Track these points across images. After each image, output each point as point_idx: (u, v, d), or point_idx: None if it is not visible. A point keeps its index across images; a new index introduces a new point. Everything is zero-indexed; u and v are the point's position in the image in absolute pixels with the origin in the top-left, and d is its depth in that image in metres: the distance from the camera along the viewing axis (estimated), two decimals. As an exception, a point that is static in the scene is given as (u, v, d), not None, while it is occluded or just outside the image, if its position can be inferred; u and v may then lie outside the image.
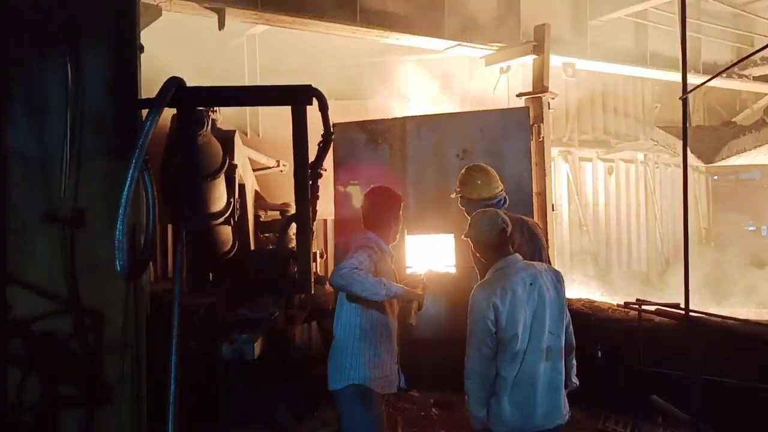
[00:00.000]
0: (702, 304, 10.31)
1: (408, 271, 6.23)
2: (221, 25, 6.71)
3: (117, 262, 2.94)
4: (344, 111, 8.59)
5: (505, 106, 8.24)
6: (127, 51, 3.81)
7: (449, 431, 5.92)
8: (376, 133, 7.36)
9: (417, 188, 7.13)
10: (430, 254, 7.06)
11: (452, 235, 6.80)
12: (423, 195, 7.09)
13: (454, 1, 8.21)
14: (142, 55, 3.95)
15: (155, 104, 3.15)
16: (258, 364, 4.20)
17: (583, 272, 11.78)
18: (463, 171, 4.76)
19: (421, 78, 10.08)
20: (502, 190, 4.67)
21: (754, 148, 8.17)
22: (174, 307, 3.32)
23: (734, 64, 3.97)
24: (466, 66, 10.03)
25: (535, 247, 4.54)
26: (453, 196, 4.80)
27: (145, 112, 3.22)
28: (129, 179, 3.00)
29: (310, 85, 3.64)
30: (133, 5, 3.87)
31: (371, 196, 3.99)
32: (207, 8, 6.66)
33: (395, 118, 7.61)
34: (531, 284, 3.37)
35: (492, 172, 4.70)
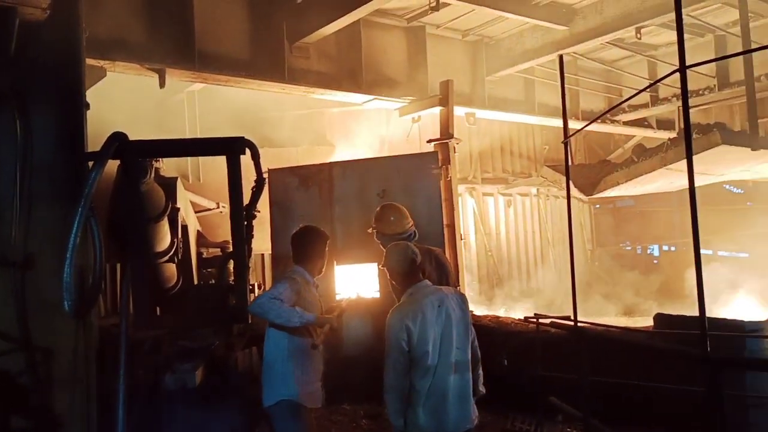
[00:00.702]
0: (589, 313, 10.65)
1: (338, 297, 6.21)
2: (162, 84, 6.58)
3: (65, 302, 2.83)
4: (278, 158, 8.55)
5: (418, 151, 8.37)
6: (73, 108, 3.74)
7: (379, 440, 5.86)
8: (307, 177, 7.35)
9: (343, 224, 7.15)
10: (356, 282, 7.04)
11: (376, 264, 6.80)
12: (349, 229, 7.09)
13: (370, 61, 8.31)
14: (88, 112, 3.85)
15: (99, 157, 3.09)
16: (200, 391, 4.09)
17: (489, 292, 11.97)
18: (378, 209, 4.82)
19: (345, 127, 10.16)
20: (412, 225, 4.74)
21: (626, 181, 8.55)
22: (121, 340, 3.20)
23: (606, 112, 4.18)
24: (384, 116, 10.16)
25: (442, 273, 4.61)
26: (370, 231, 4.83)
27: (91, 163, 3.13)
28: (75, 225, 2.91)
29: (243, 137, 3.62)
30: (78, 68, 3.79)
31: (298, 234, 4.01)
32: (148, 69, 6.52)
33: (323, 164, 7.63)
34: (439, 306, 3.41)
35: (403, 209, 4.77)
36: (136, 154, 3.57)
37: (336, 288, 6.93)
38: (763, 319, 6.68)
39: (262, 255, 9.38)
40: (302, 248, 3.93)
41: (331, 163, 7.62)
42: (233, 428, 4.12)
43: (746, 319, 6.90)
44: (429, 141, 8.17)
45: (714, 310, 10.47)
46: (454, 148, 7.99)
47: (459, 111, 8.95)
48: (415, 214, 6.84)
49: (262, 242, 7.49)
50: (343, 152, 9.60)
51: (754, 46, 8.46)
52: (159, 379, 4.06)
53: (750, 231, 16.54)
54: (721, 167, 9.66)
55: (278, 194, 7.26)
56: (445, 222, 7.61)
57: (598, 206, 16.87)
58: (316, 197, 7.27)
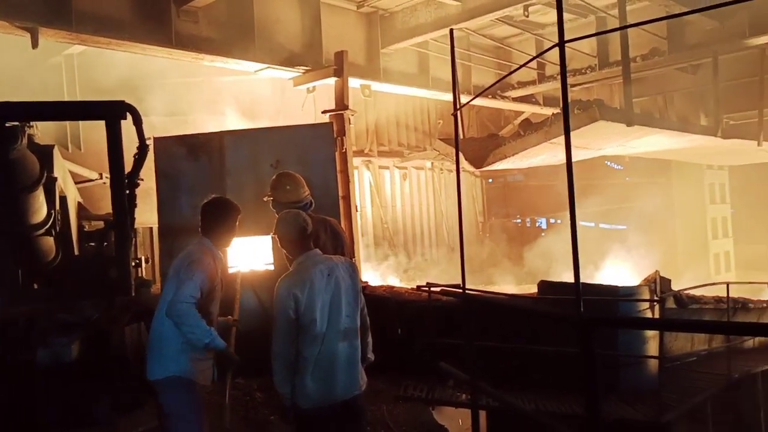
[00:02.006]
0: (480, 282, 11.10)
1: (230, 271, 6.10)
2: (34, 44, 6.11)
3: None
4: (165, 126, 8.20)
5: (313, 122, 8.30)
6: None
7: (272, 411, 5.85)
8: (196, 146, 7.09)
9: (236, 196, 6.83)
10: (250, 254, 6.95)
11: (270, 236, 6.74)
12: (242, 201, 6.79)
13: (263, 29, 8.11)
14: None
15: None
16: (77, 365, 3.91)
17: (384, 262, 12.17)
18: (274, 177, 4.75)
19: (238, 96, 9.89)
20: (308, 195, 4.72)
21: (513, 154, 8.91)
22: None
23: (493, 85, 4.35)
24: (278, 86, 9.98)
25: (338, 242, 4.65)
26: (265, 199, 4.77)
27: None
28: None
29: (123, 101, 3.45)
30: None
31: (210, 205, 3.84)
32: (19, 27, 6.04)
33: (213, 132, 7.38)
34: (328, 275, 3.45)
35: (299, 178, 4.73)
36: (4, 117, 3.32)
37: (229, 261, 6.80)
38: (635, 284, 7.23)
39: (150, 228, 9.02)
40: (213, 220, 3.77)
41: (221, 132, 7.40)
42: (116, 404, 3.98)
43: (621, 284, 7.45)
44: (324, 112, 8.13)
45: (593, 277, 11.20)
46: (350, 119, 8.01)
47: (354, 83, 8.95)
48: (310, 185, 6.82)
49: (150, 215, 7.22)
50: (236, 122, 9.36)
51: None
52: (33, 355, 3.84)
53: (627, 204, 17.76)
54: (600, 142, 10.27)
55: (165, 164, 6.97)
56: (340, 193, 7.64)
57: (491, 180, 17.48)
58: (206, 167, 7.04)
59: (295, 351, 3.36)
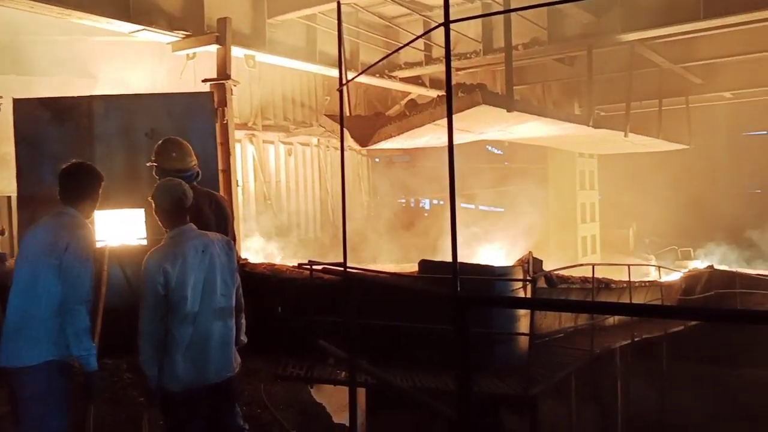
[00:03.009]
0: (364, 261, 11.19)
1: (98, 245, 5.74)
2: None
3: None
4: (27, 87, 7.54)
5: (193, 91, 7.94)
6: None
7: (141, 393, 5.60)
8: (61, 110, 6.60)
9: (106, 165, 6.46)
10: (120, 228, 6.58)
11: (143, 210, 6.41)
12: (112, 171, 6.49)
13: (140, -14, 7.62)
14: None
15: None
16: None
17: (266, 239, 11.97)
18: (160, 142, 4.44)
19: (110, 59, 9.27)
20: (195, 164, 4.45)
21: (398, 134, 9.00)
22: None
23: (377, 62, 4.34)
24: (156, 51, 9.45)
25: (221, 218, 4.46)
26: (149, 164, 4.46)
27: None
28: None
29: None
30: None
31: (71, 171, 3.45)
32: None
33: (81, 97, 6.89)
34: (203, 251, 3.30)
35: (187, 146, 4.45)
36: None
37: (96, 235, 6.40)
38: (510, 264, 7.56)
39: (8, 198, 8.30)
40: (75, 188, 3.40)
41: (91, 96, 6.92)
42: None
43: (496, 264, 7.77)
44: (204, 80, 7.79)
45: (471, 257, 11.61)
46: (232, 90, 7.73)
47: (238, 52, 8.64)
48: (190, 156, 6.54)
49: (8, 182, 6.65)
50: (107, 86, 8.77)
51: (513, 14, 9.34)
52: None
53: (506, 188, 18.57)
54: (482, 126, 10.60)
55: (26, 129, 6.45)
56: (220, 167, 7.39)
57: (377, 160, 17.63)
58: (72, 134, 6.58)
59: (164, 330, 3.18)
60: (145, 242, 6.42)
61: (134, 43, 8.87)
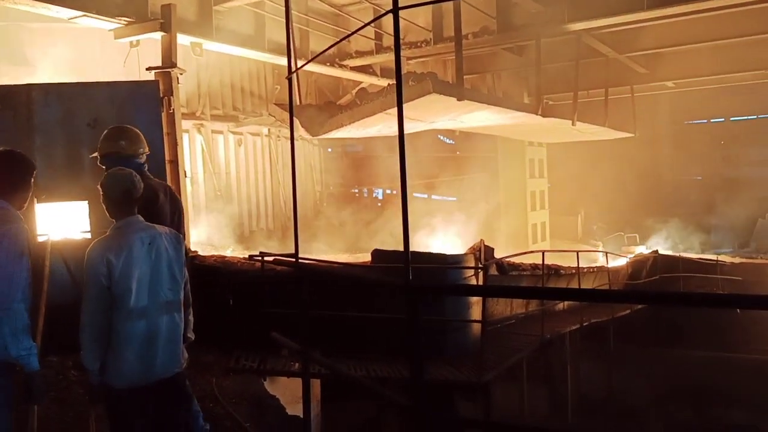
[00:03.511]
0: (316, 251, 11.14)
1: (40, 239, 5.55)
2: None
3: None
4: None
5: (137, 79, 7.72)
6: None
7: (87, 390, 5.46)
8: (-3, 99, 6.34)
9: (47, 156, 6.35)
10: (62, 222, 6.38)
11: (86, 202, 6.22)
12: (53, 162, 6.35)
13: (80, -29, 7.35)
14: None
15: None
16: None
17: (218, 232, 11.80)
18: (108, 129, 4.25)
19: (49, 46, 8.93)
20: (144, 153, 4.29)
21: (350, 123, 8.96)
22: None
23: (326, 50, 4.27)
24: (97, 37, 9.14)
25: (176, 208, 4.35)
26: (95, 155, 4.28)
27: None
28: None
29: None
30: None
31: (2, 159, 3.29)
32: None
33: (18, 85, 6.61)
34: (149, 243, 3.20)
35: (137, 132, 4.25)
36: None
37: (37, 229, 6.18)
38: (462, 252, 7.65)
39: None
40: (4, 178, 3.22)
41: (29, 84, 6.65)
42: None
43: (449, 253, 7.85)
44: (149, 69, 7.59)
45: (424, 246, 11.70)
46: (178, 78, 7.56)
47: (184, 40, 8.44)
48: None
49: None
50: (46, 75, 8.46)
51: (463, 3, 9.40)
52: None
53: (458, 177, 18.75)
54: (433, 115, 10.65)
55: (-43, 118, 6.17)
56: (167, 157, 7.22)
57: (330, 150, 17.54)
58: (9, 124, 6.31)
59: (107, 323, 3.08)
60: (89, 236, 6.26)
61: (74, 29, 8.56)
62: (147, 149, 4.31)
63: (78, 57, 9.09)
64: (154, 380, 3.19)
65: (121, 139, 4.13)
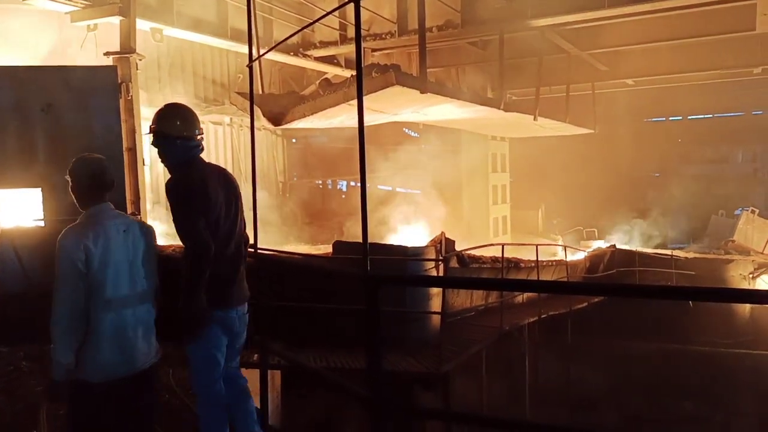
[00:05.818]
0: (279, 243, 11.06)
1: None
2: None
3: None
4: None
5: (95, 64, 7.54)
6: None
7: (41, 381, 5.34)
8: (-56, 82, 6.14)
9: None
10: (14, 209, 6.22)
11: (39, 189, 6.07)
12: (4, 149, 6.19)
13: (34, -50, 7.14)
14: None
15: None
16: None
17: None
18: (163, 107, 3.85)
19: (2, 28, 8.64)
20: (201, 135, 3.88)
21: (312, 114, 8.89)
22: None
23: (288, 38, 4.22)
24: (54, 20, 8.88)
25: (237, 195, 4.00)
26: (146, 134, 3.97)
27: None
28: None
29: None
30: None
31: None
32: None
33: (-33, 67, 6.43)
34: (125, 231, 3.10)
35: (192, 112, 3.86)
36: None
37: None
38: (423, 245, 7.68)
39: None
40: None
41: (-23, 68, 6.48)
42: None
43: (410, 245, 7.88)
44: (107, 54, 7.42)
45: (387, 238, 11.72)
46: (137, 64, 7.41)
47: (144, 25, 8.27)
48: (89, 135, 6.21)
49: None
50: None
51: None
52: None
53: (421, 170, 18.79)
54: (396, 107, 10.64)
55: None
56: (125, 145, 7.10)
57: (294, 141, 17.40)
58: (-43, 108, 6.14)
59: (85, 314, 2.95)
60: (42, 224, 6.11)
61: (28, 11, 8.30)
62: (202, 133, 3.88)
63: (31, 40, 8.81)
64: (133, 372, 3.09)
65: (177, 120, 3.73)
